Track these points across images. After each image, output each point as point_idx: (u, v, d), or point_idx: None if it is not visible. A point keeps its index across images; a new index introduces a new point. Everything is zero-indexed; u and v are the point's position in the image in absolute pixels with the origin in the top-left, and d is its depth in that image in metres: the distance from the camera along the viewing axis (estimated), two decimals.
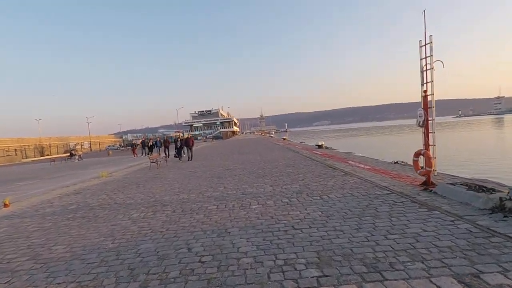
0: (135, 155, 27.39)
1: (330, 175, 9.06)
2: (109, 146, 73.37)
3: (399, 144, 29.16)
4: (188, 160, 18.36)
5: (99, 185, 11.11)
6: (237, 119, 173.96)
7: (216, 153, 24.07)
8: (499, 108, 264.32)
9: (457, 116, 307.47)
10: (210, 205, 6.42)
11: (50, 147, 68.57)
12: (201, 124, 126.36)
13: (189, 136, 19.54)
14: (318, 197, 6.32)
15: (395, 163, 11.30)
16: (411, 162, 7.81)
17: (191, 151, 18.81)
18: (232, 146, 34.12)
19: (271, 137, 67.26)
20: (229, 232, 4.57)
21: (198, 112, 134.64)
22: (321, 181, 8.08)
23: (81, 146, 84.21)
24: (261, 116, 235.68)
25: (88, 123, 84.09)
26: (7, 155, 53.71)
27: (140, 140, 29.44)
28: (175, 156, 19.63)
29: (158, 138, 23.60)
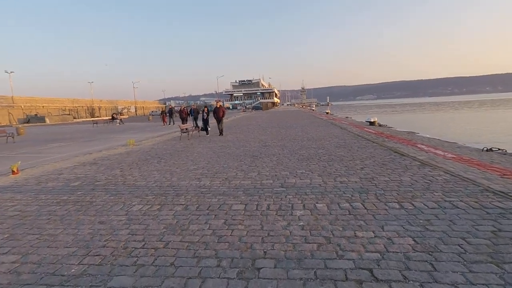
0: (165, 123, 26.50)
1: (400, 164, 6.73)
2: (152, 112, 75.50)
3: (471, 123, 24.68)
4: (219, 134, 15.50)
5: (121, 155, 9.96)
6: (278, 90, 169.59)
7: (254, 125, 22.28)
8: None
9: None
10: (235, 203, 4.62)
11: (99, 109, 72.39)
12: (241, 94, 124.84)
13: (218, 106, 15.93)
14: (397, 205, 4.17)
15: (488, 150, 8.49)
16: None
17: (221, 124, 15.78)
18: (272, 118, 32.05)
19: (313, 110, 63.57)
20: (259, 270, 2.73)
21: (239, 81, 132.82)
22: (390, 175, 5.84)
23: (128, 109, 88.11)
24: (303, 89, 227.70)
25: (134, 88, 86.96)
26: (62, 114, 57.56)
27: (167, 107, 27.72)
28: (201, 129, 16.54)
29: (193, 106, 22.11)
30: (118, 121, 31.22)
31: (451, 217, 3.66)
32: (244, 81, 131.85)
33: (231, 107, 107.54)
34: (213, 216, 4.10)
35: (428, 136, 13.85)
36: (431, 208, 3.96)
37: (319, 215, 3.96)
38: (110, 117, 34.19)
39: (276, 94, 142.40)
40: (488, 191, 4.55)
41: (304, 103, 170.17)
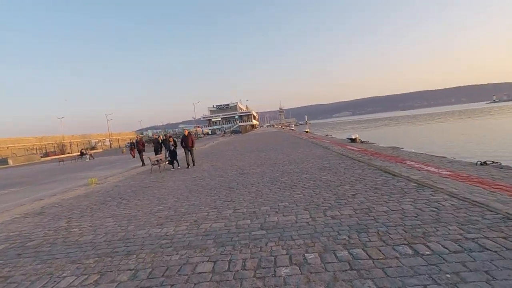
0: (134, 156, 24.36)
1: (395, 187, 5.92)
2: (127, 143, 72.84)
3: (449, 134, 24.93)
4: (188, 167, 13.19)
5: (77, 199, 8.58)
6: (256, 113, 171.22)
7: (232, 150, 21.29)
8: None
9: (491, 102, 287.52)
10: (202, 261, 3.52)
11: (71, 145, 68.91)
12: (220, 119, 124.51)
13: (186, 133, 13.74)
14: (409, 249, 3.25)
15: (482, 164, 7.92)
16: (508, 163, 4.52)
17: (191, 154, 13.59)
18: (251, 141, 31.26)
19: (292, 130, 63.74)
20: None
21: (217, 106, 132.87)
22: (388, 202, 4.98)
23: (103, 143, 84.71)
24: (281, 109, 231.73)
25: (107, 120, 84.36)
26: (30, 154, 53.90)
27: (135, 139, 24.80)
28: (168, 163, 13.85)
29: (154, 136, 20.83)
30: (87, 156, 29.25)
31: (484, 265, 2.76)
32: (221, 105, 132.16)
33: (210, 133, 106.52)
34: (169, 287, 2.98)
35: (413, 150, 13.41)
36: (454, 252, 3.06)
37: (311, 273, 2.95)
38: (79, 153, 32.08)
39: (254, 117, 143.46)
40: (510, 219, 3.75)
41: (283, 123, 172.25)
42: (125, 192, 8.87)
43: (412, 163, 8.69)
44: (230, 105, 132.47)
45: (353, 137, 18.19)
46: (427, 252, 3.11)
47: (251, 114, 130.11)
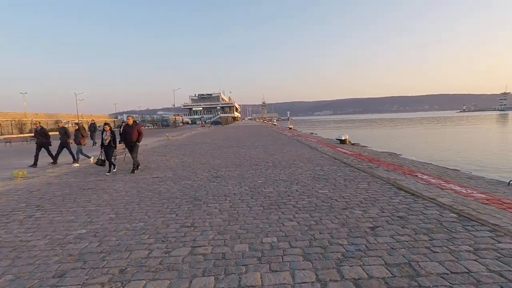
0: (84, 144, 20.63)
1: (428, 219, 4.12)
2: (98, 126, 68.18)
3: (442, 141, 23.93)
4: (133, 170, 9.00)
5: None
6: (239, 105, 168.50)
7: (209, 143, 19.09)
8: (505, 104, 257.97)
9: (460, 111, 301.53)
10: None
11: (32, 124, 63.13)
12: (201, 108, 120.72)
13: (130, 123, 9.27)
14: None
15: None
16: None
17: (132, 153, 9.32)
18: (231, 134, 29.09)
19: (274, 125, 62.05)
20: None
21: (198, 95, 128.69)
22: (435, 251, 3.16)
23: (72, 124, 78.86)
24: (263, 103, 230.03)
25: (77, 100, 78.77)
26: None
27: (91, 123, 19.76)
28: (98, 163, 9.39)
29: (92, 121, 18.24)
30: None
31: None
32: (203, 94, 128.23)
33: (190, 122, 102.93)
34: None
35: (413, 158, 11.91)
36: None
37: None
38: (33, 134, 28.40)
39: (236, 109, 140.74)
40: None
41: (265, 118, 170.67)
42: (52, 195, 6.57)
43: (425, 176, 7.03)
44: (213, 95, 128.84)
45: (343, 138, 16.60)
46: None
47: (233, 106, 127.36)
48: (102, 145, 9.21)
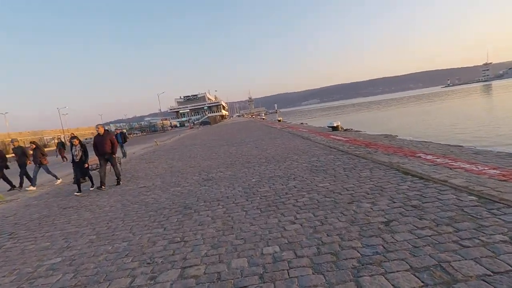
0: (65, 159, 19.63)
1: (447, 206, 3.69)
2: (85, 139, 66.48)
3: (435, 118, 23.78)
4: (101, 186, 7.94)
5: None
6: (226, 103, 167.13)
7: (199, 145, 18.47)
8: (487, 75, 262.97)
9: (445, 86, 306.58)
10: None
11: (16, 142, 61.14)
12: (188, 110, 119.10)
13: (101, 133, 8.07)
14: None
15: None
16: None
17: (113, 166, 8.40)
18: (220, 133, 28.46)
19: (263, 119, 61.54)
20: None
21: (184, 97, 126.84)
22: (468, 248, 2.72)
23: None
24: (250, 98, 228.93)
25: (60, 114, 76.67)
26: None
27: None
28: (75, 182, 8.12)
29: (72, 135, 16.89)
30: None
31: None
32: (189, 96, 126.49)
33: (178, 125, 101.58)
34: None
35: (411, 138, 11.55)
36: None
37: None
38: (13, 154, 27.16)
39: (224, 107, 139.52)
40: None
41: (253, 113, 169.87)
42: (28, 219, 5.93)
43: (429, 156, 6.64)
44: (198, 96, 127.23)
45: (335, 124, 16.16)
46: None
47: (220, 105, 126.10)
48: (74, 162, 7.94)
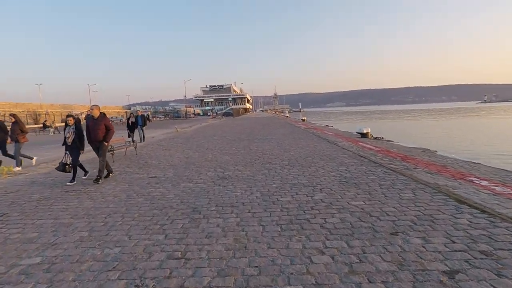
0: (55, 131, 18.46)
1: None
2: (111, 118, 68.25)
3: (477, 133, 21.92)
4: (98, 179, 6.56)
5: None
6: (250, 96, 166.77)
7: (219, 136, 17.93)
8: None
9: (482, 102, 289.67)
10: None
11: (47, 114, 63.63)
12: (212, 100, 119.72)
13: (95, 115, 6.76)
14: None
15: None
16: None
17: (101, 154, 6.79)
18: (242, 126, 27.86)
19: (287, 116, 60.35)
20: None
21: (210, 86, 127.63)
22: None
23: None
24: (275, 95, 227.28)
25: (90, 91, 79.31)
26: None
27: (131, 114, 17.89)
28: (59, 169, 6.64)
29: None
30: (52, 129, 25.33)
31: None
32: (215, 86, 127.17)
33: (201, 113, 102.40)
34: None
35: (454, 156, 10.33)
36: None
37: None
38: (41, 125, 27.99)
39: (248, 100, 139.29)
40: None
41: (277, 109, 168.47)
42: (28, 199, 5.51)
43: (484, 182, 5.60)
44: (224, 86, 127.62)
45: (365, 131, 15.03)
46: None
47: (245, 97, 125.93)
48: (65, 144, 6.66)
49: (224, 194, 5.35)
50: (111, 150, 9.52)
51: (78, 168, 6.88)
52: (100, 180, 6.58)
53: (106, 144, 6.86)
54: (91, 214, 4.53)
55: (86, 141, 6.76)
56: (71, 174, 6.64)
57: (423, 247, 3.09)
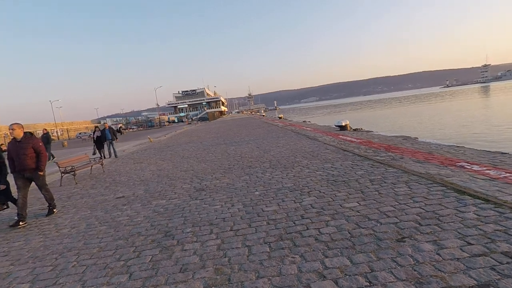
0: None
1: None
2: (79, 134, 64.82)
3: (447, 117, 22.51)
4: (18, 223, 5.01)
5: None
6: (225, 99, 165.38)
7: (194, 143, 17.09)
8: (486, 77, 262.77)
9: (444, 87, 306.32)
10: None
11: (4, 137, 59.08)
12: (186, 105, 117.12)
13: (17, 136, 5.11)
14: None
15: None
16: None
17: (39, 188, 5.42)
18: (219, 130, 27.06)
19: (263, 116, 60.05)
20: None
21: (182, 92, 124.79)
22: None
23: (51, 134, 74.63)
24: (249, 95, 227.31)
25: (53, 108, 74.89)
26: None
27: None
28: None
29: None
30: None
31: None
32: (187, 91, 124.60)
33: (176, 120, 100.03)
34: None
35: (436, 141, 10.23)
36: None
37: None
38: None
39: (223, 103, 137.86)
40: None
41: (252, 110, 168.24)
42: None
43: (476, 167, 5.32)
44: (197, 91, 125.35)
45: (343, 123, 14.82)
46: None
47: (219, 100, 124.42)
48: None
49: (201, 210, 4.69)
50: (71, 171, 8.54)
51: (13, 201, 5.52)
52: (54, 210, 5.63)
53: (41, 173, 5.33)
54: (38, 256, 3.72)
55: (9, 171, 5.33)
56: (9, 211, 5.46)
57: (437, 254, 2.62)
